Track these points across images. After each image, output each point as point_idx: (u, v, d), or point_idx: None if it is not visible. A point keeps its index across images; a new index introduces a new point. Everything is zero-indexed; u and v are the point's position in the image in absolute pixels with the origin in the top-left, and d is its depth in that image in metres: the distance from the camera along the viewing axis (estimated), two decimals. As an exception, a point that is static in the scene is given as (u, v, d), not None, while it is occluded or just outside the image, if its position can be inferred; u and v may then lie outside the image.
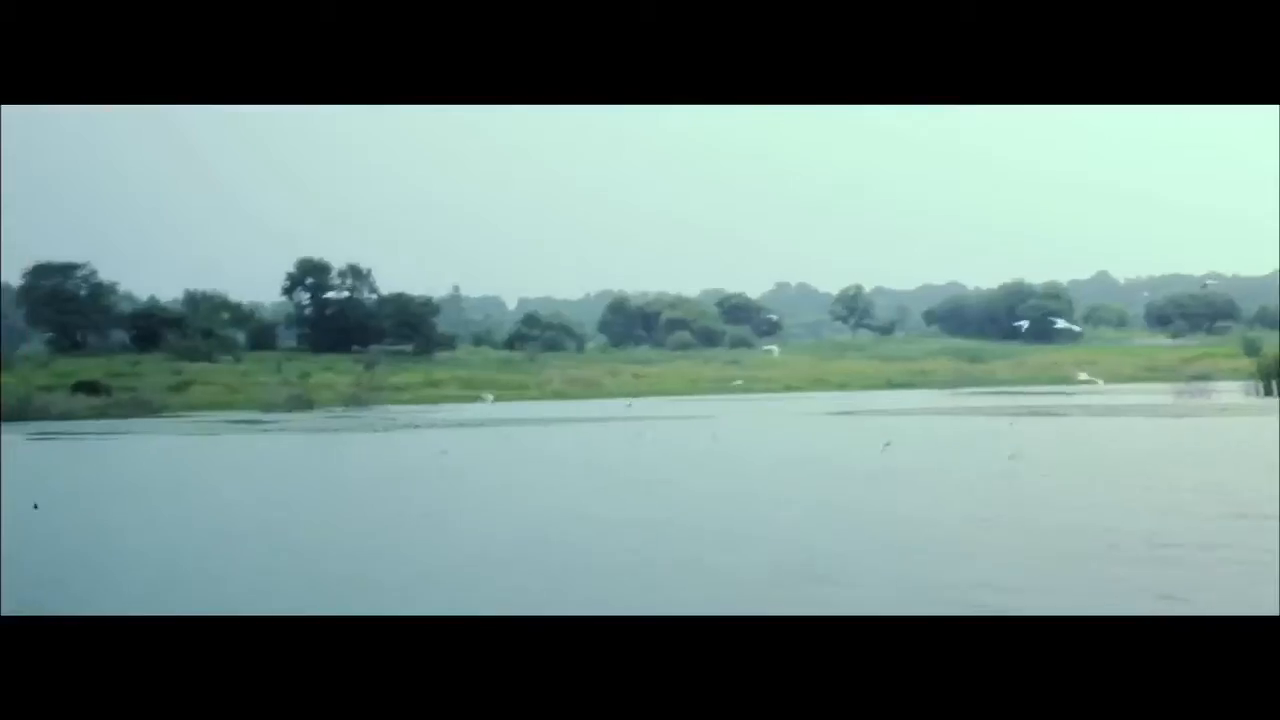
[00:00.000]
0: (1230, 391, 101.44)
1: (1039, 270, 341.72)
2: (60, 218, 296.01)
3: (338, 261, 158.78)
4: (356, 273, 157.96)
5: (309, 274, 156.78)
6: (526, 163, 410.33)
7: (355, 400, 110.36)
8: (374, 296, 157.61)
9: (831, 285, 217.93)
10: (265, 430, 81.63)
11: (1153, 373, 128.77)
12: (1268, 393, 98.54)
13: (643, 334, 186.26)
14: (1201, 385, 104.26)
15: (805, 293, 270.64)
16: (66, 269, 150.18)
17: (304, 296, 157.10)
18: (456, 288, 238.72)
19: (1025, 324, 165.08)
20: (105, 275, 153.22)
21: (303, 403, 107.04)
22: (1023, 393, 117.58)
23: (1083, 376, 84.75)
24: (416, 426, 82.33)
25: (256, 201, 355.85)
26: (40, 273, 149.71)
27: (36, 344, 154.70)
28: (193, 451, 67.24)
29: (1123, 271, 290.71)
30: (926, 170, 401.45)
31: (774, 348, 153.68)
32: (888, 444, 51.94)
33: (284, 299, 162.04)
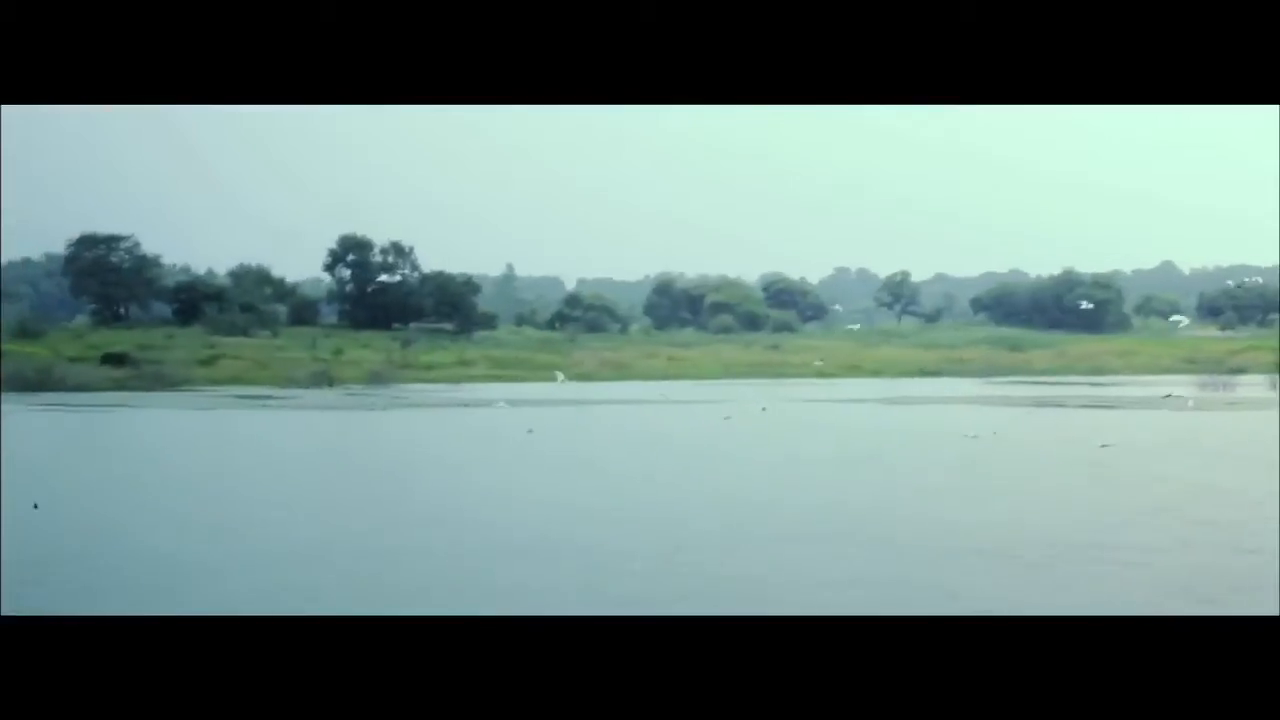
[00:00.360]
0: (1255, 385, 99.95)
1: (1101, 260, 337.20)
2: (60, 218, 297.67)
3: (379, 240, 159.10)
4: (399, 250, 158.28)
5: (351, 250, 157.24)
6: (560, 148, 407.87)
7: (377, 378, 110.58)
8: (416, 274, 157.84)
9: (891, 271, 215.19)
10: (265, 406, 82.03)
11: (1192, 365, 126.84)
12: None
13: (688, 316, 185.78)
14: (1225, 379, 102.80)
15: (865, 278, 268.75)
16: (110, 240, 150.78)
17: (345, 273, 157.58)
18: (510, 266, 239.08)
19: (1090, 304, 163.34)
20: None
21: (324, 379, 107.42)
22: (1045, 382, 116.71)
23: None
24: (419, 405, 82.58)
25: (258, 202, 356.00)
26: (84, 243, 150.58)
27: (84, 316, 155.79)
28: (175, 425, 67.70)
29: (1189, 261, 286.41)
30: (981, 166, 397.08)
31: (856, 326, 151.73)
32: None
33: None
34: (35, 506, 34.21)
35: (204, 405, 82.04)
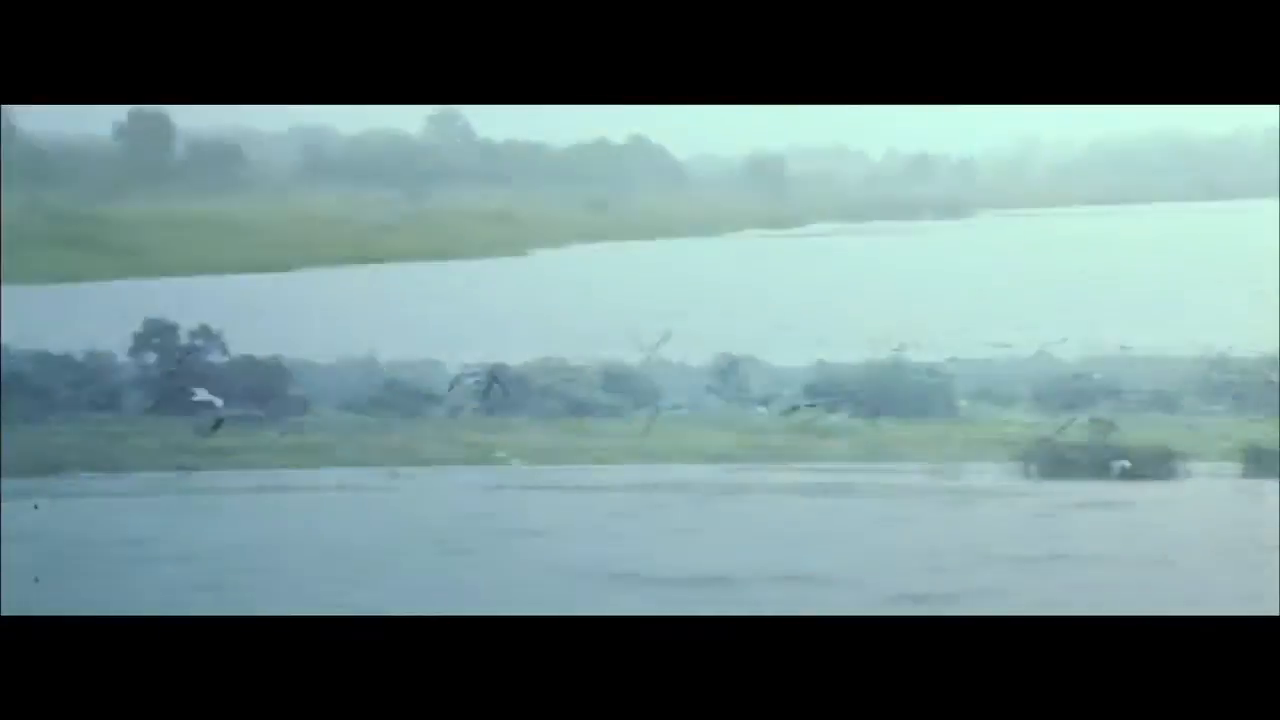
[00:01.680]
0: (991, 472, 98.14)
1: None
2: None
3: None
4: (207, 333, 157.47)
5: (155, 334, 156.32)
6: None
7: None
8: (225, 359, 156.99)
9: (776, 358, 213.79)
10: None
11: (965, 450, 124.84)
12: (1026, 475, 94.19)
13: (519, 401, 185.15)
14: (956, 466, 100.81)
15: (754, 367, 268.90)
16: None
17: (149, 358, 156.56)
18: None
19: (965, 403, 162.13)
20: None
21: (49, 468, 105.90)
22: (803, 469, 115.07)
23: None
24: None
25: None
26: None
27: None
28: None
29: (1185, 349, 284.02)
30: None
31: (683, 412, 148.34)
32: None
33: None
34: (35, 507, 33.76)
35: None
